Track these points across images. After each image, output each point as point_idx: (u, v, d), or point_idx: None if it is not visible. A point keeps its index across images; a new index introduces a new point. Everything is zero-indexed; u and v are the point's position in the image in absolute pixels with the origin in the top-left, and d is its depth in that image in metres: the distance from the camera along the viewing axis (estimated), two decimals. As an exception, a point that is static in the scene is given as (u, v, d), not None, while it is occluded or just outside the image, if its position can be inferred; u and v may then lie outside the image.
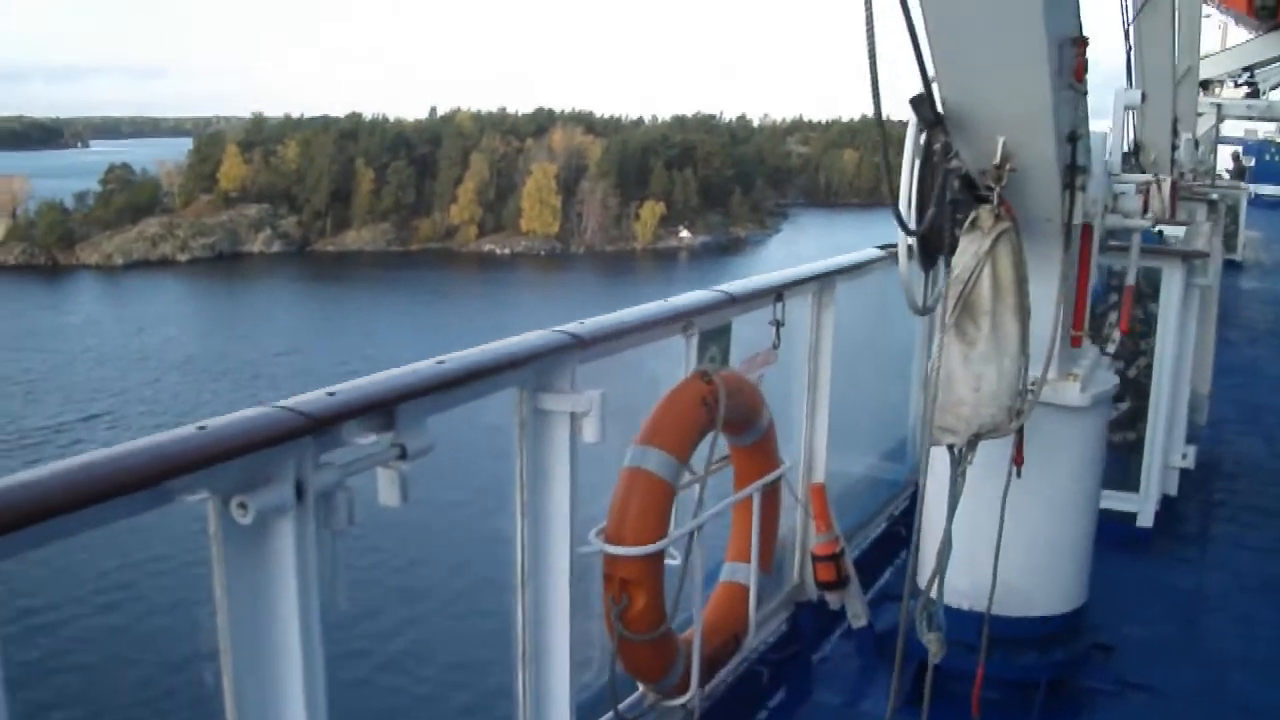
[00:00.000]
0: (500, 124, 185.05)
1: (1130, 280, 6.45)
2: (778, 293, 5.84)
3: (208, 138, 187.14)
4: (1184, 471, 9.86)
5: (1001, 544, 5.30)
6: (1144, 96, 6.51)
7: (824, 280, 6.65)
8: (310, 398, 3.13)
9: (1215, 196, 21.67)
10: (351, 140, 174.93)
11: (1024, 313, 4.73)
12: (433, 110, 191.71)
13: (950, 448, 4.90)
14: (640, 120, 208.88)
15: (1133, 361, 9.34)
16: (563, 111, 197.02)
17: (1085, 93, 4.92)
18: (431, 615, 39.56)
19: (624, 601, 4.46)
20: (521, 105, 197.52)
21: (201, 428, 2.85)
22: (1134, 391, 9.23)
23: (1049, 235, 5.04)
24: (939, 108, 4.50)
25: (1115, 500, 8.91)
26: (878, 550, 7.68)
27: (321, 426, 3.05)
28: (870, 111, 3.88)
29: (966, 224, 4.70)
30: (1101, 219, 5.83)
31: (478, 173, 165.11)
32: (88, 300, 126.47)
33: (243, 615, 2.96)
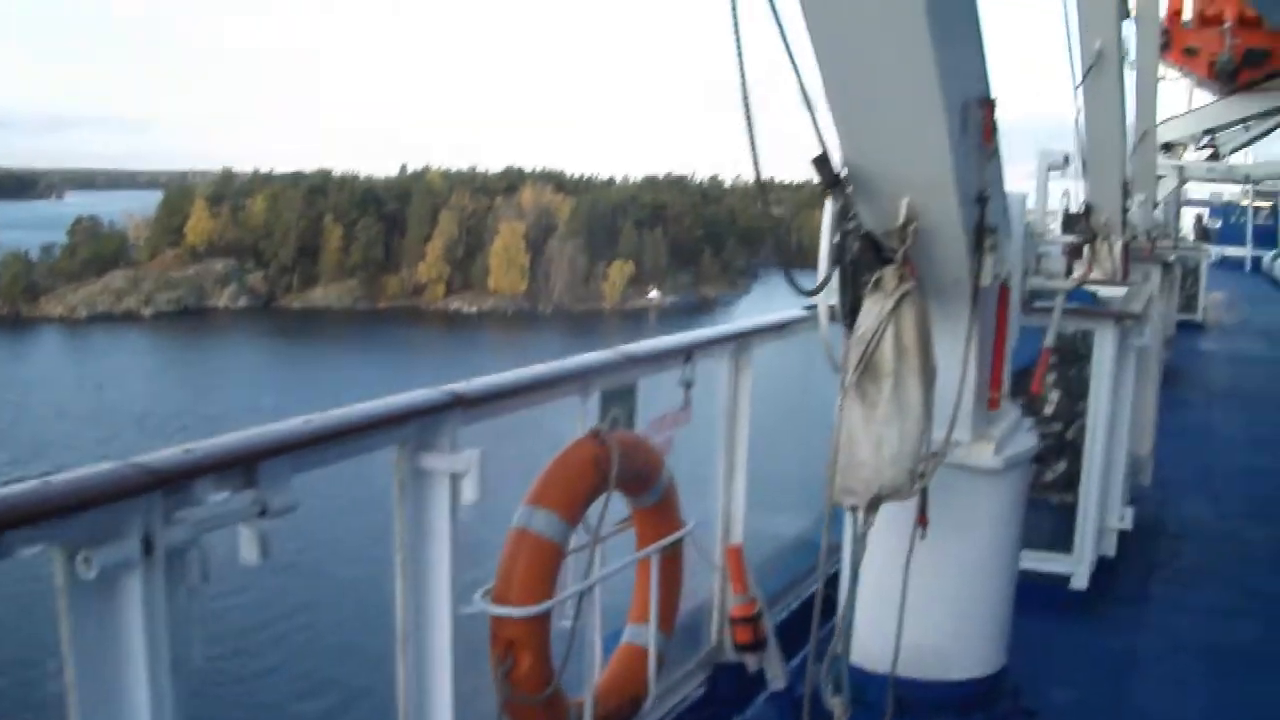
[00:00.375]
0: (470, 182, 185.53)
1: (1048, 342, 6.43)
2: (687, 353, 5.81)
3: (176, 191, 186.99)
4: (1123, 533, 9.84)
5: (917, 606, 5.27)
6: (1068, 159, 6.51)
7: (741, 341, 6.64)
8: (164, 454, 3.11)
9: (1171, 259, 21.88)
10: (320, 196, 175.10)
11: (928, 375, 4.70)
12: (403, 168, 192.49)
13: (852, 509, 4.89)
14: (611, 180, 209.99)
15: (1071, 423, 9.36)
16: (533, 170, 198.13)
17: (995, 154, 4.92)
18: (313, 673, 39.16)
19: (509, 662, 4.39)
20: (492, 164, 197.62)
21: (46, 480, 2.82)
22: (1071, 453, 9.24)
23: (958, 296, 5.03)
24: (840, 168, 4.50)
25: (1049, 562, 8.90)
26: (805, 613, 7.64)
27: (171, 483, 3.03)
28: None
29: (870, 285, 4.69)
30: (1023, 280, 5.84)
31: (446, 230, 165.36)
32: (48, 353, 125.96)
33: (90, 670, 2.93)
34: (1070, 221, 14.92)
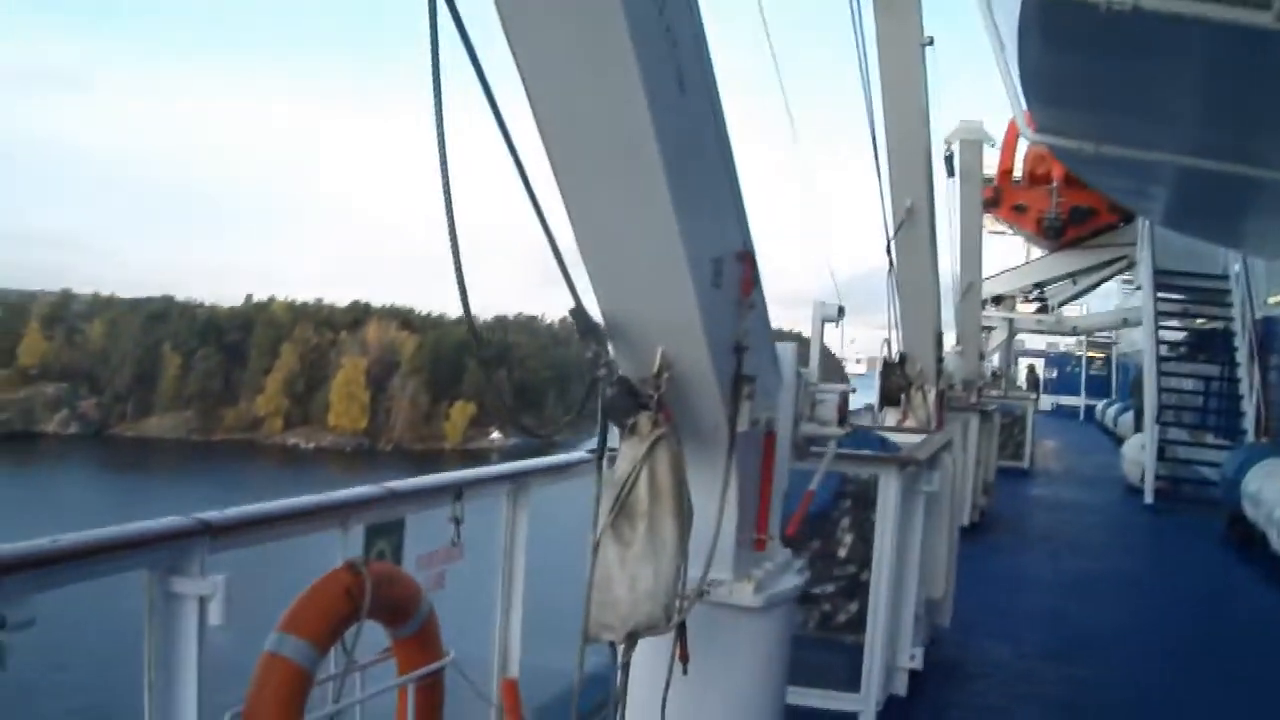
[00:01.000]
0: (315, 315, 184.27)
1: (812, 485, 6.67)
2: (457, 491, 6.00)
3: (7, 310, 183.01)
4: (915, 673, 10.17)
5: None
6: (842, 311, 6.84)
7: (518, 480, 6.86)
8: None
9: (991, 407, 22.59)
10: (160, 323, 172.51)
11: (683, 515, 4.90)
12: (249, 298, 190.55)
13: (611, 645, 5.05)
14: (459, 319, 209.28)
15: (865, 566, 9.67)
16: (382, 306, 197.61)
17: (755, 305, 5.19)
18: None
19: (254, 787, 4.51)
20: (339, 298, 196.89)
21: None
22: (864, 594, 9.54)
23: (716, 441, 5.27)
24: (594, 318, 4.73)
25: (838, 701, 9.17)
26: None
27: None
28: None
29: (627, 429, 4.90)
30: (794, 426, 6.12)
31: (287, 363, 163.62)
32: None
33: None
34: (888, 370, 15.47)
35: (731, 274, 4.94)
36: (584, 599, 4.99)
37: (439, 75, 3.57)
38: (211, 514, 4.53)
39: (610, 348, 4.80)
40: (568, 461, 7.36)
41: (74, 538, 3.91)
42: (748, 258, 5.08)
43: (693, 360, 4.88)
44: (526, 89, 3.99)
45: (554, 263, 4.46)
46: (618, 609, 4.94)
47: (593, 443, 5.05)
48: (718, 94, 4.70)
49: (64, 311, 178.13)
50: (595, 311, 4.73)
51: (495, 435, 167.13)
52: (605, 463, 5.07)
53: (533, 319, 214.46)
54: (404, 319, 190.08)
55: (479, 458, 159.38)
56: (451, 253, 3.95)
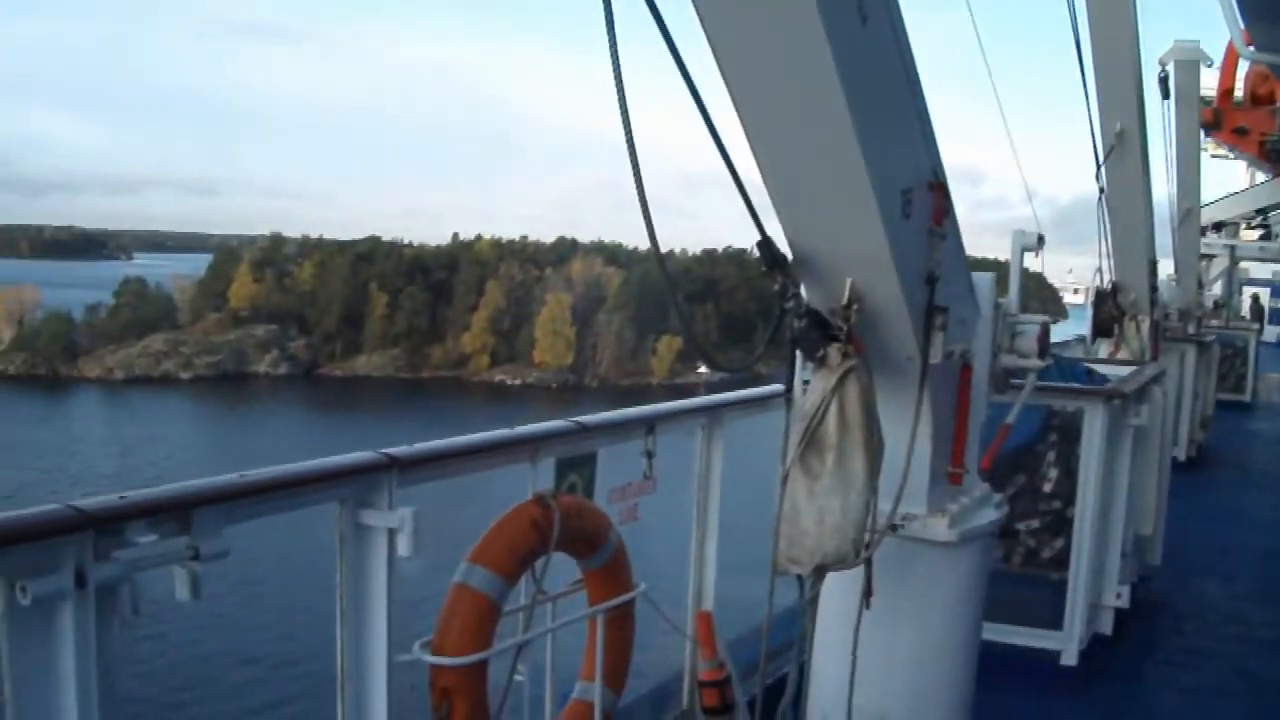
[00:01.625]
0: (520, 252, 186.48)
1: (1009, 419, 6.57)
2: (649, 425, 6.14)
3: (224, 255, 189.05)
4: (1121, 611, 10.03)
5: (872, 678, 5.49)
6: (1042, 239, 6.72)
7: (712, 413, 6.97)
8: (100, 499, 3.56)
9: (1210, 338, 21.90)
10: (367, 264, 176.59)
11: (873, 449, 4.94)
12: (455, 236, 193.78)
13: (799, 578, 5.14)
14: (670, 252, 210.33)
15: (1070, 501, 9.56)
16: (591, 242, 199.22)
17: (948, 235, 5.17)
18: (259, 712, 41.10)
19: (445, 709, 4.74)
20: (546, 235, 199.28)
21: None
22: (1069, 531, 9.44)
23: (908, 373, 5.29)
24: (780, 249, 4.78)
25: (1040, 638, 9.12)
26: (784, 685, 7.87)
27: (104, 524, 3.45)
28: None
29: (816, 362, 4.96)
30: (993, 359, 6.10)
31: (493, 300, 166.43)
32: (78, 416, 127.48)
33: (25, 690, 3.33)
34: (1100, 300, 15.12)
35: (922, 204, 4.92)
36: (771, 533, 5.09)
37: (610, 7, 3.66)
38: (399, 449, 4.76)
39: (799, 280, 4.86)
40: (761, 395, 7.45)
41: (266, 472, 4.20)
42: (939, 187, 5.04)
43: (883, 292, 4.90)
44: (704, 25, 4.06)
45: (764, 193, 4.54)
46: (805, 542, 5.02)
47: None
48: (902, 24, 4.65)
49: (275, 255, 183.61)
50: (783, 244, 4.79)
51: (702, 370, 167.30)
52: (797, 395, 5.15)
53: (742, 251, 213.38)
54: (610, 254, 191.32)
55: (687, 392, 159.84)
56: (637, 189, 4.04)
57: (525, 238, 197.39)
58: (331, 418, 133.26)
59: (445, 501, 4.96)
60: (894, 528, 5.41)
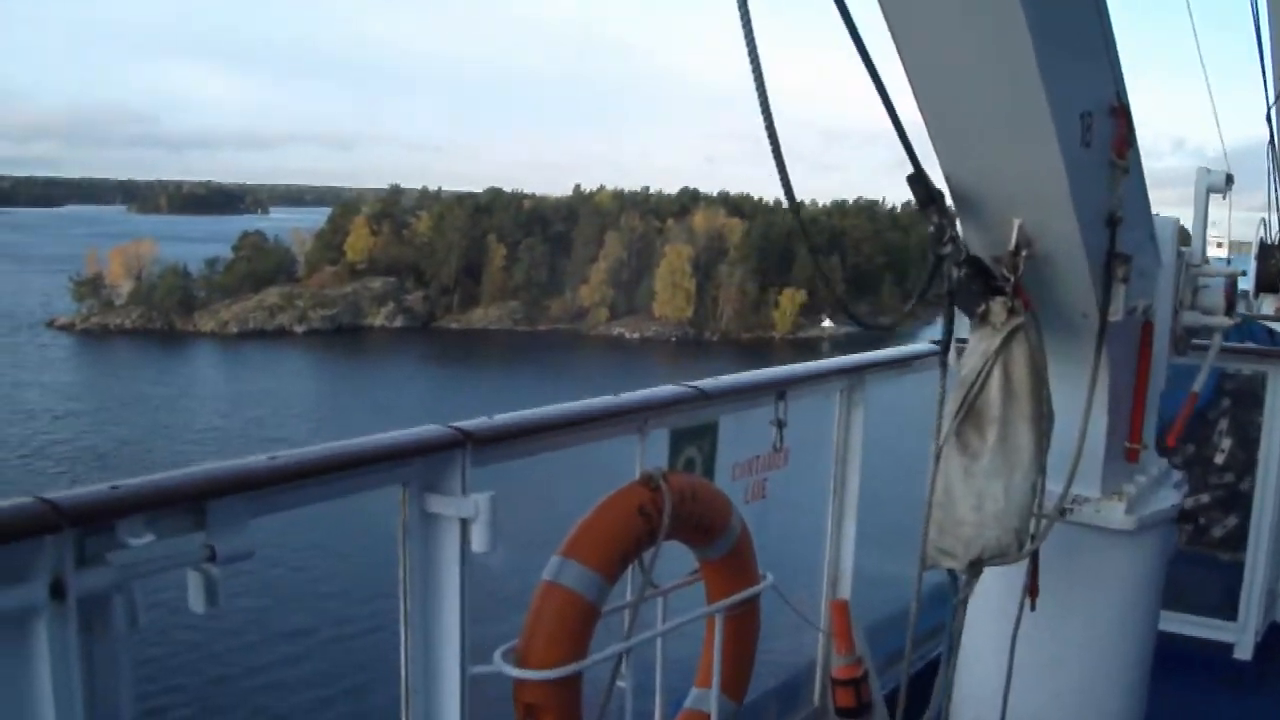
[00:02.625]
0: (642, 203, 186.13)
1: (1196, 386, 5.78)
2: (779, 390, 5.48)
3: (343, 208, 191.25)
4: None
5: (1031, 681, 4.95)
6: (1230, 179, 5.96)
7: (853, 376, 6.29)
8: (83, 490, 2.94)
9: None
10: (486, 215, 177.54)
11: (1041, 421, 4.30)
12: (576, 187, 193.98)
13: (950, 573, 4.52)
14: (800, 205, 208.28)
15: (1245, 475, 8.83)
16: (719, 194, 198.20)
17: (1131, 170, 4.47)
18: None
19: (530, 728, 4.15)
20: (669, 185, 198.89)
21: None
22: (1244, 508, 8.71)
23: (1083, 333, 4.61)
24: (937, 185, 4.13)
25: (1210, 629, 8.42)
26: (926, 678, 7.28)
27: (88, 522, 2.87)
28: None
29: (977, 319, 4.32)
30: (1174, 316, 5.39)
31: (612, 252, 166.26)
32: (189, 370, 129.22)
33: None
34: (1265, 253, 14.23)
35: (1103, 131, 4.19)
36: (922, 518, 4.47)
37: None
38: (475, 421, 4.10)
39: (957, 223, 4.21)
40: (908, 354, 6.78)
41: (305, 453, 3.55)
42: (1122, 112, 4.30)
43: (1057, 234, 4.20)
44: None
45: (918, 127, 3.89)
46: (960, 532, 4.38)
47: (936, 333, 4.48)
48: None
49: (393, 207, 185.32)
50: (939, 180, 4.14)
51: (827, 323, 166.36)
52: (951, 357, 4.50)
53: (873, 203, 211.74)
54: (734, 205, 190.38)
55: (810, 347, 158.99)
56: (768, 133, 3.41)
57: (647, 189, 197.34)
58: (446, 371, 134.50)
59: (532, 483, 4.31)
60: (1063, 513, 4.76)
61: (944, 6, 3.58)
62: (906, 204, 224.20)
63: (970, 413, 4.29)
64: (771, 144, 3.44)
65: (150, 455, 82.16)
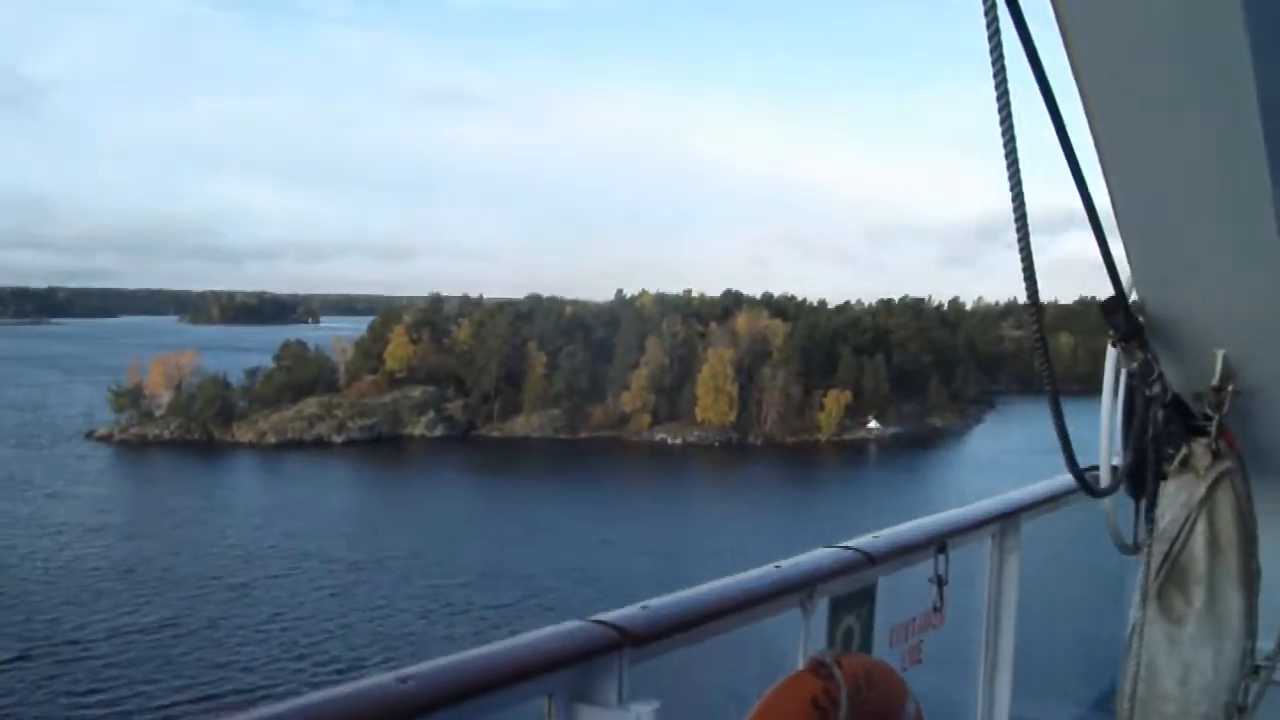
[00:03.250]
0: (684, 307, 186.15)
1: None
2: (939, 544, 4.94)
3: (383, 316, 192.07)
4: None
5: None
6: None
7: (1006, 521, 5.73)
8: None
9: None
10: (526, 322, 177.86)
11: (1251, 580, 3.82)
12: (619, 292, 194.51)
13: None
14: (845, 305, 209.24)
15: None
16: (763, 295, 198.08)
17: None
18: None
19: None
20: (712, 288, 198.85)
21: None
22: None
23: None
24: (1136, 316, 3.65)
25: None
26: None
27: None
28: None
29: (1176, 462, 3.82)
30: None
31: (654, 358, 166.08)
32: (225, 481, 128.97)
33: None
34: None
35: None
36: (1120, 695, 3.94)
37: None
38: (629, 612, 3.54)
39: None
40: (1060, 490, 6.22)
41: (441, 667, 2.99)
42: None
43: (1267, 366, 3.74)
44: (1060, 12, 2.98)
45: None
46: (1165, 710, 3.87)
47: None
48: None
49: (435, 315, 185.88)
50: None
51: (873, 424, 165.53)
52: (1116, 486, 4.01)
53: (919, 301, 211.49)
54: (777, 306, 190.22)
55: (856, 449, 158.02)
56: (1019, 239, 3.15)
57: (689, 291, 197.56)
58: (487, 480, 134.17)
59: (681, 675, 3.74)
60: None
61: (1171, 130, 3.12)
62: (954, 301, 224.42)
63: (1173, 572, 3.80)
64: (1022, 251, 3.05)
65: (171, 572, 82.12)
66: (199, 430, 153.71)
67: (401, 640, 65.66)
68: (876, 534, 4.75)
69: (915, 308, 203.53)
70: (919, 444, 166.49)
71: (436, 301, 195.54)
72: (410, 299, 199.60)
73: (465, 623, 69.74)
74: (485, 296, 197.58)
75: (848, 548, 4.51)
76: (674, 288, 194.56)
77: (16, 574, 79.97)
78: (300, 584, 78.29)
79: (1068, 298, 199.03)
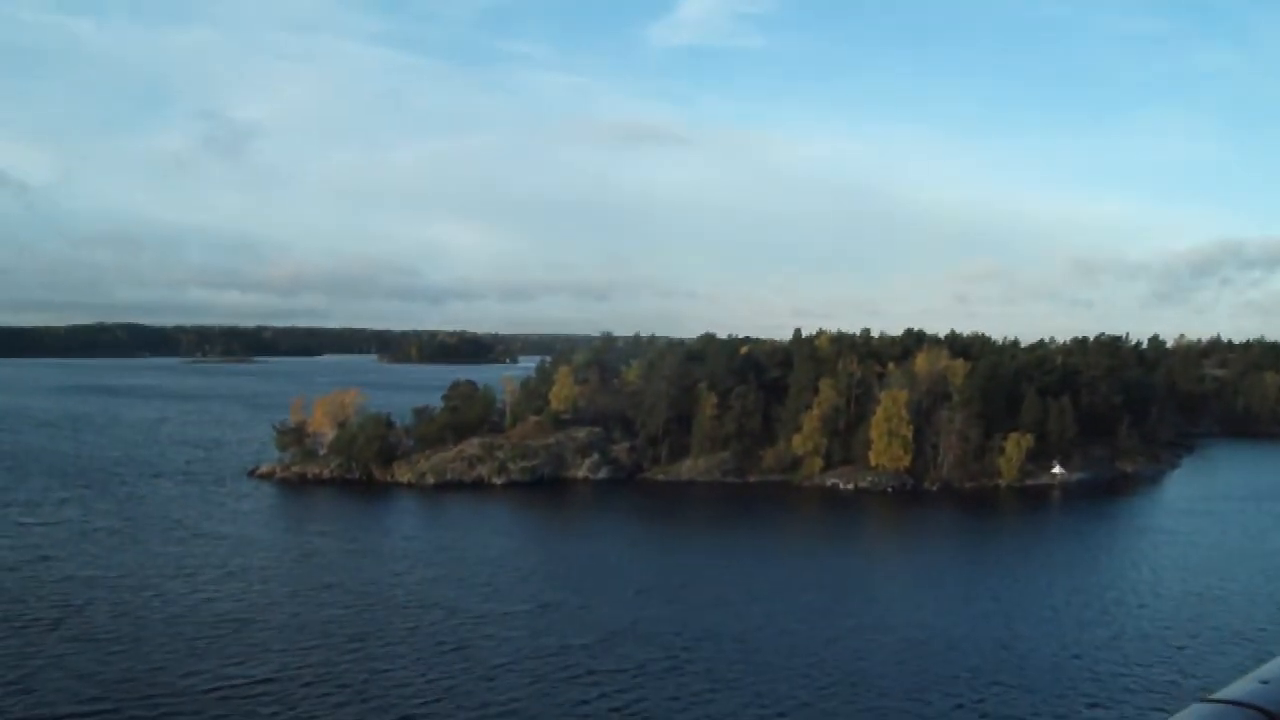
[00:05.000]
0: (862, 346, 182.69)
1: None
2: None
3: (557, 356, 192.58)
4: None
5: None
6: None
7: None
8: None
9: None
10: (697, 362, 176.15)
11: None
12: (797, 332, 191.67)
13: None
14: (1039, 343, 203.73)
15: None
16: (953, 332, 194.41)
17: None
18: None
19: None
20: (894, 327, 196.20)
21: None
22: None
23: None
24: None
25: None
26: None
27: None
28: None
29: None
30: None
31: (827, 399, 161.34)
32: (374, 526, 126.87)
33: None
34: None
35: None
36: None
37: None
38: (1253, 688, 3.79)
39: None
40: None
41: None
42: None
43: None
44: None
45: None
46: None
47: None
48: None
49: (604, 354, 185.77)
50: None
51: (1057, 469, 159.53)
52: None
53: (1115, 339, 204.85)
54: (961, 346, 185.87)
55: (1038, 495, 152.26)
56: None
57: (867, 331, 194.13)
58: (650, 526, 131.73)
59: None
60: None
61: None
62: (1154, 339, 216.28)
63: None
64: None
65: (297, 618, 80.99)
66: (359, 469, 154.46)
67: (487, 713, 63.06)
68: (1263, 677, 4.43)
69: (1110, 346, 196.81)
70: (1107, 490, 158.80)
71: (607, 340, 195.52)
72: (608, 338, 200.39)
73: (575, 690, 66.37)
74: (672, 335, 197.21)
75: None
76: (873, 325, 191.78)
77: (135, 617, 79.10)
78: (420, 639, 76.02)
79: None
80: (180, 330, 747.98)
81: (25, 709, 60.12)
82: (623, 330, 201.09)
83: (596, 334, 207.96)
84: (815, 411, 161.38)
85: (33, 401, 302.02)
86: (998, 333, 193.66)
